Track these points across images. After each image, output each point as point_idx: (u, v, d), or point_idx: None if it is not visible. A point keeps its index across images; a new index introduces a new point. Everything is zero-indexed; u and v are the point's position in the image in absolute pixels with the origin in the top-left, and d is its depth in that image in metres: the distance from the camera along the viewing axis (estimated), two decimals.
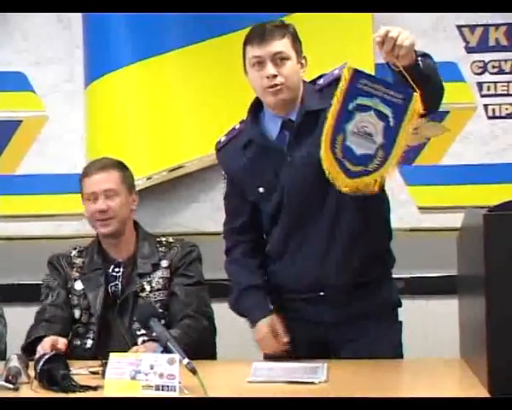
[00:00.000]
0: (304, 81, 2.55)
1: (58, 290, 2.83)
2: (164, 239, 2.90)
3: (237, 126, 2.64)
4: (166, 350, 2.23)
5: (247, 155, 2.57)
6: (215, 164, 2.90)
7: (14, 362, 2.30)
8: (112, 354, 2.18)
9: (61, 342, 2.56)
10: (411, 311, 2.99)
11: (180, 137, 3.46)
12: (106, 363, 2.20)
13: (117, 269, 2.83)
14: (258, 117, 2.57)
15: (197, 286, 2.85)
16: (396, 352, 2.58)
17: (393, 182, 3.36)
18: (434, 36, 3.45)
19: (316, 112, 2.47)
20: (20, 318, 3.08)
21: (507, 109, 3.47)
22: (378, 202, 2.54)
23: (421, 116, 2.49)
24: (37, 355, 2.42)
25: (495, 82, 3.47)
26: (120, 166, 2.86)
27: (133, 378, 2.11)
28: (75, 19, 3.53)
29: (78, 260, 2.87)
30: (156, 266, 2.82)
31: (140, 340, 2.69)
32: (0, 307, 2.95)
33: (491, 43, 3.47)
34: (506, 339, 2.07)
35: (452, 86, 3.37)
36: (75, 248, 2.90)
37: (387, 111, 2.19)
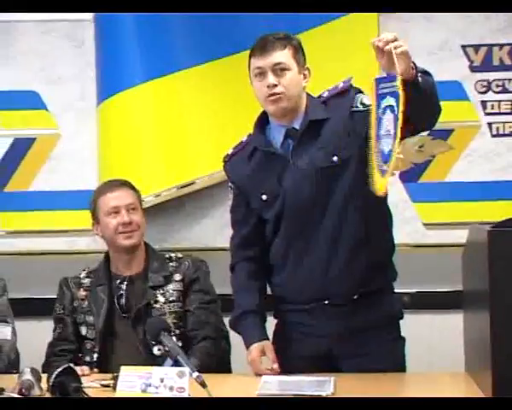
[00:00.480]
0: (308, 94, 2.59)
1: (64, 321, 2.92)
2: (173, 255, 2.98)
3: (244, 139, 2.69)
4: (177, 364, 2.25)
5: (252, 163, 2.62)
6: (224, 180, 2.93)
7: (27, 375, 2.31)
8: (123, 368, 2.20)
9: (85, 370, 2.69)
10: (417, 325, 3.02)
11: (191, 154, 3.48)
12: (117, 376, 2.22)
13: (125, 282, 2.91)
14: (264, 128, 2.63)
15: (213, 304, 2.92)
16: (399, 367, 2.59)
17: (399, 199, 3.42)
18: (440, 55, 3.46)
19: (320, 121, 2.53)
20: (33, 331, 3.15)
21: (511, 127, 3.48)
22: (380, 215, 2.58)
23: (416, 133, 2.53)
24: None
25: (499, 101, 3.48)
26: (133, 186, 2.99)
27: (144, 391, 2.12)
28: (87, 37, 3.56)
29: (86, 281, 2.96)
30: (168, 279, 2.90)
31: (155, 349, 2.75)
32: (11, 318, 2.94)
33: (495, 62, 3.48)
34: (510, 353, 2.09)
35: (457, 105, 3.44)
36: (84, 270, 3.00)
37: (393, 102, 2.17)
